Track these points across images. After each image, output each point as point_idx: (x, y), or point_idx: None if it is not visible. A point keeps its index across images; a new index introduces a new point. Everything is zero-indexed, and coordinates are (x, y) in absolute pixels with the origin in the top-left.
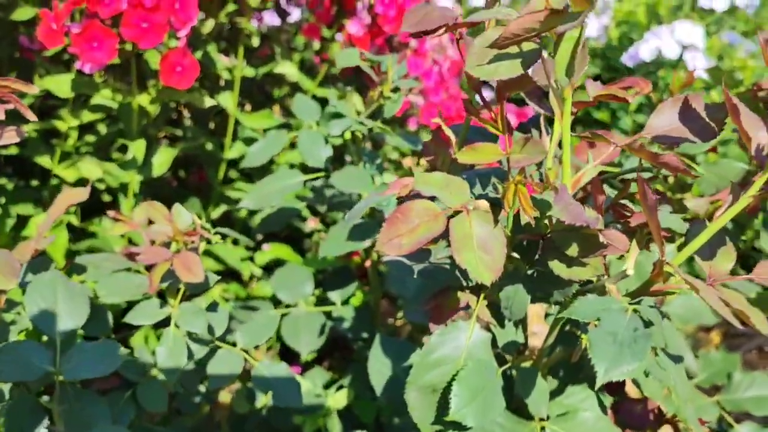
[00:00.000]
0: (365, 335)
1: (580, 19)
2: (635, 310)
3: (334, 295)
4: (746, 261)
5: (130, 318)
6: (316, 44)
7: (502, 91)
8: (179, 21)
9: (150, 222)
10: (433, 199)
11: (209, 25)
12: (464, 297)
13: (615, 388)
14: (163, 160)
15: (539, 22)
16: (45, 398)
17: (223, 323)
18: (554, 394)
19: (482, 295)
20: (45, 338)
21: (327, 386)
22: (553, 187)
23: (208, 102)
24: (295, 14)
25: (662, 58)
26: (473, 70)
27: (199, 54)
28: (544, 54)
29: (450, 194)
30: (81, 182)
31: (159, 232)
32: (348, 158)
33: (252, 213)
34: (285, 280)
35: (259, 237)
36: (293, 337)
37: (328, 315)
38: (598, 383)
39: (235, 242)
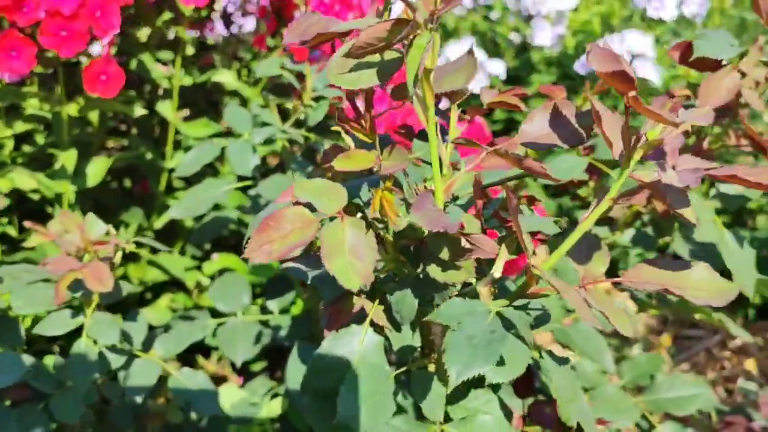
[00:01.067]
0: None
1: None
2: (498, 313)
3: (272, 304)
4: None
5: (41, 329)
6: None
7: (371, 99)
8: (100, 29)
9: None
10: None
11: (145, 33)
12: (359, 302)
13: (523, 390)
14: (97, 170)
15: (386, 31)
16: None
17: (142, 333)
18: (460, 397)
19: (377, 300)
20: None
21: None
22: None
23: (138, 111)
24: (248, 24)
25: None
26: (334, 79)
27: (134, 62)
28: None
29: (328, 201)
30: (16, 193)
31: (70, 242)
32: None
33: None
34: (223, 290)
35: (207, 246)
36: (230, 347)
37: (267, 323)
38: (451, 385)
39: (182, 252)
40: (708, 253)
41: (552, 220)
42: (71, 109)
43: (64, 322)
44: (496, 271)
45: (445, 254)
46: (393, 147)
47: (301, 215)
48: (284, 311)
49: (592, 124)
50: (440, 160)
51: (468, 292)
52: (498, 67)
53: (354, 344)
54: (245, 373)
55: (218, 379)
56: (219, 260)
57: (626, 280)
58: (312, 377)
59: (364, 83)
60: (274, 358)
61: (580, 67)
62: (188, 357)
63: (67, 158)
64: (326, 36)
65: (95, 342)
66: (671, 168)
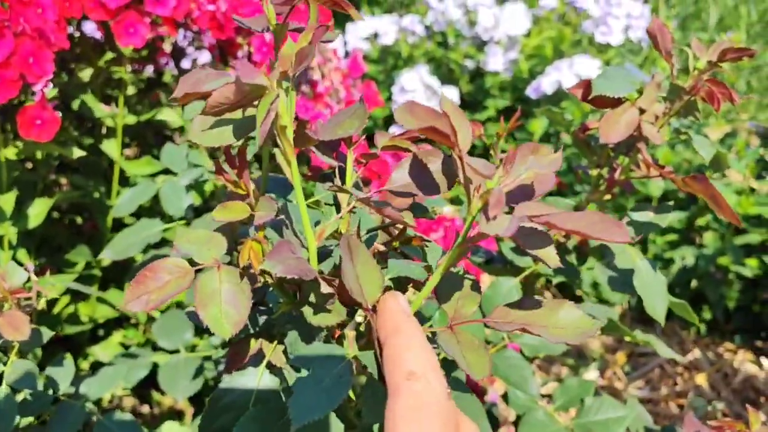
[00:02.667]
0: None
1: (243, 96)
2: (356, 357)
3: (216, 339)
4: None
5: None
6: None
7: (244, 153)
8: (34, 75)
9: None
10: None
11: (87, 73)
12: (257, 344)
13: None
14: (38, 210)
15: (233, 93)
16: None
17: (68, 377)
18: None
19: (276, 342)
20: None
21: None
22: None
23: (77, 153)
24: (203, 58)
25: (562, 91)
26: (197, 137)
27: (77, 102)
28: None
29: (207, 250)
30: None
31: None
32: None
33: None
34: (166, 327)
35: None
36: (171, 384)
37: (210, 358)
38: (294, 428)
39: None
40: (626, 280)
41: (422, 266)
42: (9, 153)
43: None
44: (359, 316)
45: (314, 298)
46: (261, 197)
47: (178, 266)
48: (228, 345)
49: (456, 171)
50: (337, 200)
51: (342, 334)
52: (452, 94)
53: (250, 386)
54: (201, 405)
55: (175, 413)
56: None
57: (491, 320)
58: (209, 419)
59: (225, 140)
60: None
61: (531, 92)
62: (143, 392)
63: (6, 201)
64: (194, 95)
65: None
66: (497, 217)
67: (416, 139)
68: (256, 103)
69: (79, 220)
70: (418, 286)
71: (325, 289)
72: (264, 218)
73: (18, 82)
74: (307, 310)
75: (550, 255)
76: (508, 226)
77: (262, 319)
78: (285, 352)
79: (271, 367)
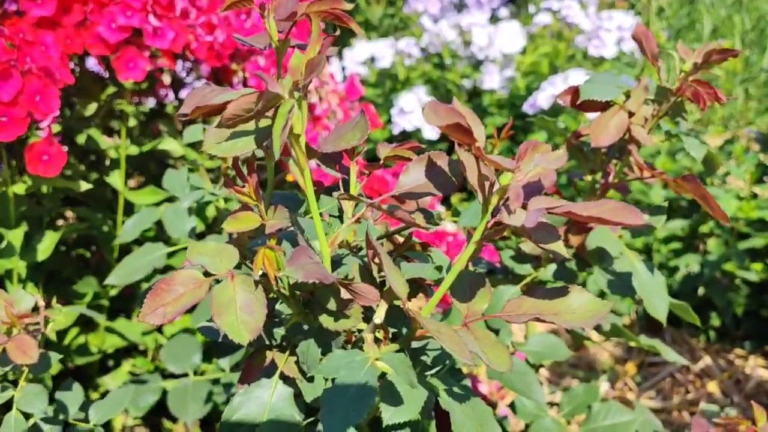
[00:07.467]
0: None
1: (261, 104)
2: (378, 359)
3: (224, 362)
4: None
5: None
6: None
7: (253, 164)
8: (40, 113)
9: None
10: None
11: (92, 108)
12: (270, 355)
13: (446, 428)
14: (47, 244)
15: (252, 103)
16: None
17: (77, 401)
18: None
19: (287, 352)
20: None
21: None
22: (346, 245)
23: (84, 186)
24: None
25: (558, 105)
26: (211, 148)
27: (81, 137)
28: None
29: (220, 261)
30: None
31: None
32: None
33: None
34: (174, 352)
35: None
36: (180, 407)
37: (218, 382)
38: None
39: None
40: (625, 283)
41: (433, 267)
42: (17, 189)
43: None
44: (377, 318)
45: (332, 304)
46: (276, 207)
47: (192, 277)
48: (237, 367)
49: (463, 172)
50: (342, 212)
51: (359, 338)
52: None
53: (264, 398)
54: None
55: None
56: (180, 320)
57: (504, 314)
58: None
59: (239, 150)
60: None
61: (528, 107)
62: (154, 420)
63: (14, 236)
64: (205, 109)
65: (28, 415)
66: (516, 210)
67: (417, 149)
68: (268, 114)
69: (86, 252)
70: (424, 289)
71: (345, 294)
72: (276, 226)
73: (26, 119)
74: (325, 318)
75: (560, 248)
76: (529, 218)
77: (275, 331)
78: (297, 362)
79: (284, 377)
